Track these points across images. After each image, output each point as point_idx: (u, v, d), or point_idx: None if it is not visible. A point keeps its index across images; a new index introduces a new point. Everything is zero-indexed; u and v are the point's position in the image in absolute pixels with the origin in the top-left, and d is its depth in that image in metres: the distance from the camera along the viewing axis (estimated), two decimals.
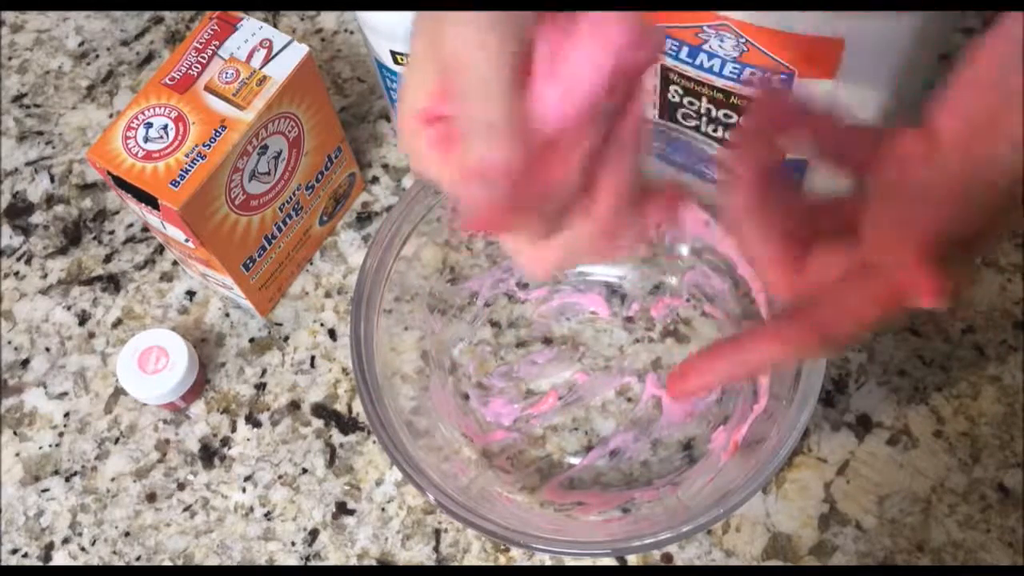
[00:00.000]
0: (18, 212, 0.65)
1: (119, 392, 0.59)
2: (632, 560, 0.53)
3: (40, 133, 0.68)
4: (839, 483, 0.54)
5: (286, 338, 0.60)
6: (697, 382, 0.39)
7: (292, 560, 0.54)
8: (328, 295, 0.61)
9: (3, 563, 0.55)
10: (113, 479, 0.57)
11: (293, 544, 0.55)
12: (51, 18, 0.72)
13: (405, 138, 0.34)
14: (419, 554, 0.54)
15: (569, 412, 0.57)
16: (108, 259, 0.63)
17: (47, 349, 0.61)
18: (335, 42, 0.68)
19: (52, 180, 0.66)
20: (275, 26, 0.69)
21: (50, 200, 0.65)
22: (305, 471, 0.56)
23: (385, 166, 0.64)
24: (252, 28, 0.53)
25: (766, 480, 0.44)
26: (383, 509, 0.55)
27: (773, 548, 0.53)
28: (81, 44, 0.70)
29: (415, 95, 0.33)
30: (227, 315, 0.61)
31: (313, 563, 0.54)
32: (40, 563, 0.55)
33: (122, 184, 0.50)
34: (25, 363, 0.61)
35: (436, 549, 0.54)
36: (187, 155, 0.50)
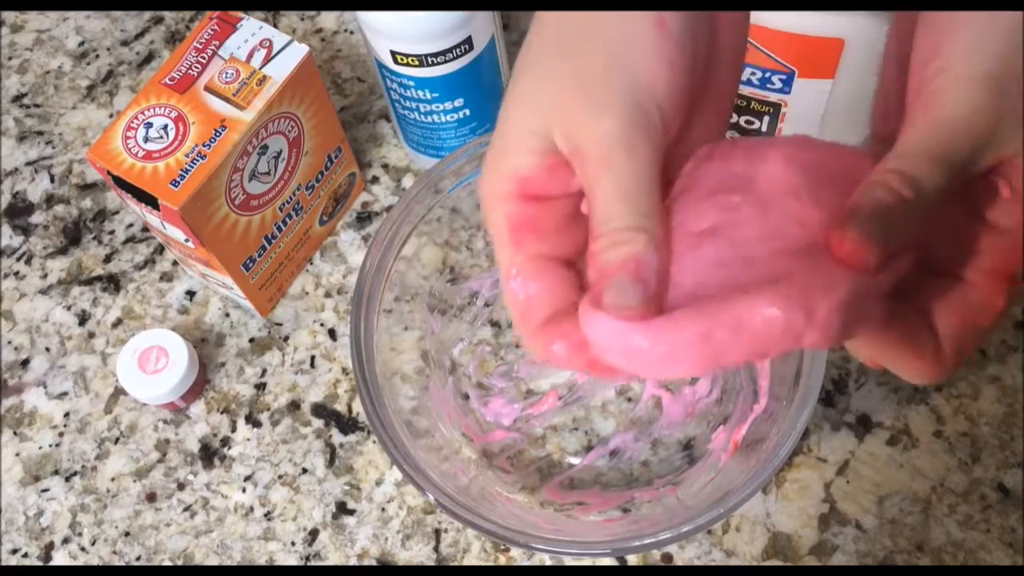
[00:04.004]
0: (18, 212, 0.65)
1: (119, 392, 0.59)
2: (632, 560, 0.53)
3: (40, 133, 0.68)
4: (839, 483, 0.54)
5: (286, 338, 0.60)
6: None
7: (292, 560, 0.54)
8: (328, 295, 0.61)
9: (3, 563, 0.55)
10: (113, 479, 0.57)
11: (293, 544, 0.55)
12: (51, 18, 0.72)
13: (485, 201, 0.32)
14: (419, 554, 0.54)
15: (569, 412, 0.57)
16: (108, 259, 0.63)
17: (47, 349, 0.61)
18: (335, 42, 0.68)
19: (52, 180, 0.66)
20: (275, 26, 0.69)
21: (50, 200, 0.65)
22: (305, 471, 0.56)
23: (385, 166, 0.64)
24: (252, 28, 0.53)
25: (766, 480, 0.44)
26: (383, 509, 0.55)
27: (773, 548, 0.53)
28: (81, 44, 0.70)
29: (514, 161, 0.31)
30: (227, 315, 0.61)
31: (313, 563, 0.54)
32: (40, 563, 0.55)
33: (122, 184, 0.50)
34: (25, 363, 0.61)
35: (436, 549, 0.54)
36: (187, 155, 0.50)
